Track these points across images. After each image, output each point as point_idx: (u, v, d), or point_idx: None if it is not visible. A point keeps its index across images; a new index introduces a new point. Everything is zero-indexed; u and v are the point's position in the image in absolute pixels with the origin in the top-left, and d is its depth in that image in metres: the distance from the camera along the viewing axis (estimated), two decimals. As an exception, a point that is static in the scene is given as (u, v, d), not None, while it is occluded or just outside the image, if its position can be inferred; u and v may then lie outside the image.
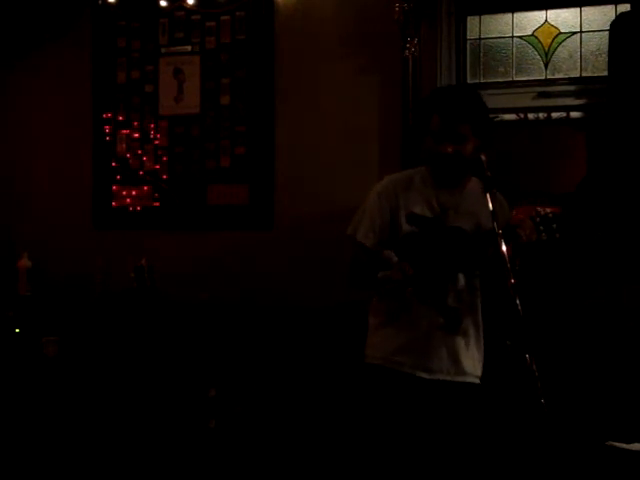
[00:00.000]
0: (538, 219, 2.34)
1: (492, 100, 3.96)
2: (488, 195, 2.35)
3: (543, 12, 4.02)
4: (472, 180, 2.53)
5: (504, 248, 2.26)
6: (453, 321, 2.48)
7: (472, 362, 2.52)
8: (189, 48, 4.49)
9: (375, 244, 2.52)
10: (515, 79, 4.05)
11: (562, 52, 4.00)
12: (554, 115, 3.95)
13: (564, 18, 3.99)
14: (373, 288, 2.57)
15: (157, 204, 4.54)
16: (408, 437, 2.44)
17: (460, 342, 2.49)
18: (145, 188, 4.56)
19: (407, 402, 2.45)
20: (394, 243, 2.49)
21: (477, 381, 2.54)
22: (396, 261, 2.44)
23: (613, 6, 3.88)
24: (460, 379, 2.49)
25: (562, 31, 3.99)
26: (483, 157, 2.42)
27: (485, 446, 2.54)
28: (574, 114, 3.91)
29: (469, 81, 4.12)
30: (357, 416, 2.61)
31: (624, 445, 2.73)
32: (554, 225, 2.33)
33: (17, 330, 4.20)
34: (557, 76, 4.00)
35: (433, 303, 2.46)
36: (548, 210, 2.35)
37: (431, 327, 2.47)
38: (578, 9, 3.96)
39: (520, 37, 4.05)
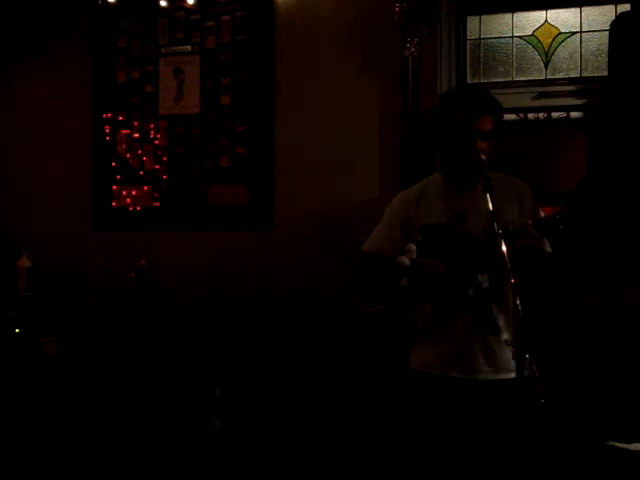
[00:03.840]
0: (544, 222, 2.32)
1: (492, 100, 3.98)
2: (487, 195, 2.35)
3: (543, 12, 4.02)
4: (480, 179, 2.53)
5: (504, 247, 2.25)
6: (485, 320, 2.47)
7: (509, 357, 2.51)
8: (189, 48, 4.49)
9: (375, 249, 2.56)
10: (515, 79, 4.05)
11: (562, 52, 4.00)
12: (554, 115, 3.95)
13: (564, 18, 3.99)
14: (379, 289, 2.59)
15: (157, 204, 4.54)
16: (456, 440, 2.44)
17: (496, 340, 2.48)
18: (145, 188, 4.57)
19: (453, 405, 2.45)
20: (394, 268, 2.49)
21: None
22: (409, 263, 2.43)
23: (613, 6, 3.88)
24: (504, 376, 2.48)
25: (562, 31, 3.99)
26: (483, 157, 2.42)
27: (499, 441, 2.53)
28: (574, 114, 3.91)
29: (469, 81, 4.12)
30: (401, 421, 2.61)
31: (624, 445, 2.73)
32: (561, 227, 2.32)
33: (17, 330, 4.20)
34: (557, 76, 4.00)
35: (457, 306, 2.46)
36: (556, 213, 2.33)
37: (462, 329, 2.47)
38: (578, 9, 3.96)
39: (520, 37, 4.05)
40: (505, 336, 2.48)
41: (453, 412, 2.46)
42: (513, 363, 2.50)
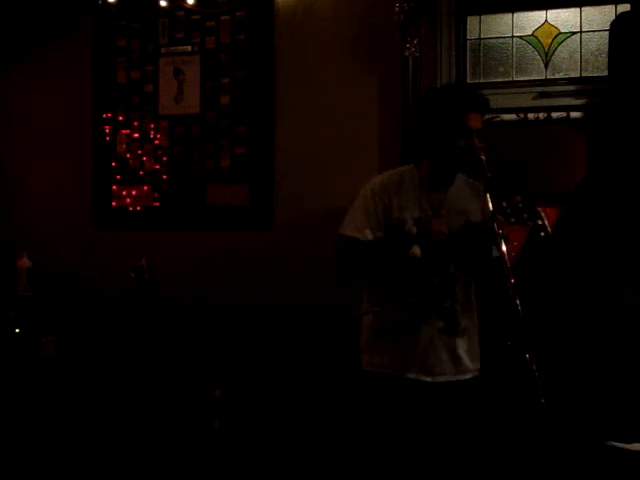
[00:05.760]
0: (509, 210, 2.34)
1: (492, 100, 3.94)
2: (488, 195, 2.35)
3: (543, 12, 4.02)
4: (457, 178, 2.55)
5: (504, 248, 2.26)
6: (451, 322, 2.48)
7: (471, 357, 2.54)
8: (189, 48, 4.49)
9: (359, 236, 2.50)
10: (515, 79, 4.05)
11: (562, 52, 4.00)
12: (554, 115, 3.95)
13: (564, 18, 3.99)
14: (367, 276, 2.58)
15: (157, 204, 4.54)
16: (417, 441, 2.45)
17: (459, 342, 2.50)
18: (145, 188, 4.57)
19: (413, 407, 2.46)
20: (389, 244, 2.48)
21: (477, 374, 2.56)
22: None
23: (613, 6, 3.88)
24: (462, 377, 2.51)
25: (562, 31, 3.99)
26: (483, 157, 2.42)
27: (487, 441, 2.55)
28: (574, 114, 3.91)
29: (469, 81, 4.12)
30: (361, 422, 2.61)
31: (624, 445, 2.73)
32: (525, 215, 2.34)
33: (17, 330, 4.20)
34: (557, 76, 4.00)
35: (430, 306, 2.46)
36: (518, 199, 2.36)
37: (430, 331, 2.47)
38: (578, 9, 3.96)
39: (520, 37, 4.05)
40: (461, 335, 2.50)
41: (415, 414, 2.45)
42: (470, 364, 2.53)
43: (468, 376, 2.53)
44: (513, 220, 2.34)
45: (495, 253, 2.47)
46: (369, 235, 2.49)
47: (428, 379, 2.47)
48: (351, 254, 2.53)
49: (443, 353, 2.48)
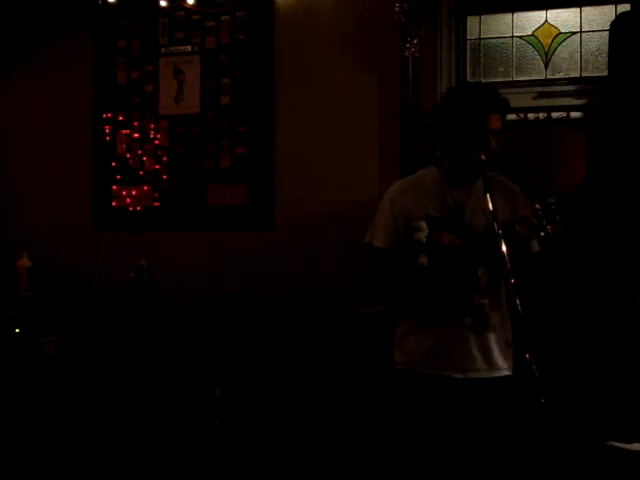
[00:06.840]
0: (540, 212, 2.33)
1: (492, 100, 3.97)
2: (488, 195, 2.35)
3: (543, 12, 4.02)
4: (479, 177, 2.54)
5: (504, 248, 2.26)
6: (480, 318, 2.47)
7: (504, 355, 2.51)
8: (189, 48, 4.49)
9: (387, 245, 2.50)
10: (515, 79, 4.06)
11: (562, 52, 4.00)
12: (554, 115, 3.95)
13: (564, 18, 3.99)
14: (396, 287, 2.57)
15: (157, 204, 4.54)
16: (449, 438, 2.44)
17: (490, 338, 2.48)
18: (145, 188, 4.57)
19: (444, 404, 2.45)
20: (411, 246, 2.47)
21: (509, 372, 2.53)
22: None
23: (613, 6, 3.88)
24: (494, 374, 2.49)
25: (562, 31, 3.99)
26: (483, 157, 2.42)
27: (514, 437, 2.53)
28: (574, 114, 3.91)
29: (469, 81, 4.12)
30: (392, 420, 2.60)
31: (624, 445, 2.73)
32: (557, 217, 2.33)
33: (17, 330, 4.20)
34: (557, 76, 4.00)
35: (459, 302, 2.45)
36: (552, 200, 2.34)
37: (460, 327, 2.46)
38: (578, 9, 3.96)
39: (520, 37, 4.05)
40: (493, 332, 2.49)
41: (447, 411, 2.45)
42: (503, 362, 2.52)
43: (502, 374, 2.50)
44: (545, 223, 2.33)
45: (535, 248, 2.48)
46: (389, 244, 2.50)
47: (459, 376, 2.45)
48: (377, 266, 2.55)
49: (474, 350, 2.46)
